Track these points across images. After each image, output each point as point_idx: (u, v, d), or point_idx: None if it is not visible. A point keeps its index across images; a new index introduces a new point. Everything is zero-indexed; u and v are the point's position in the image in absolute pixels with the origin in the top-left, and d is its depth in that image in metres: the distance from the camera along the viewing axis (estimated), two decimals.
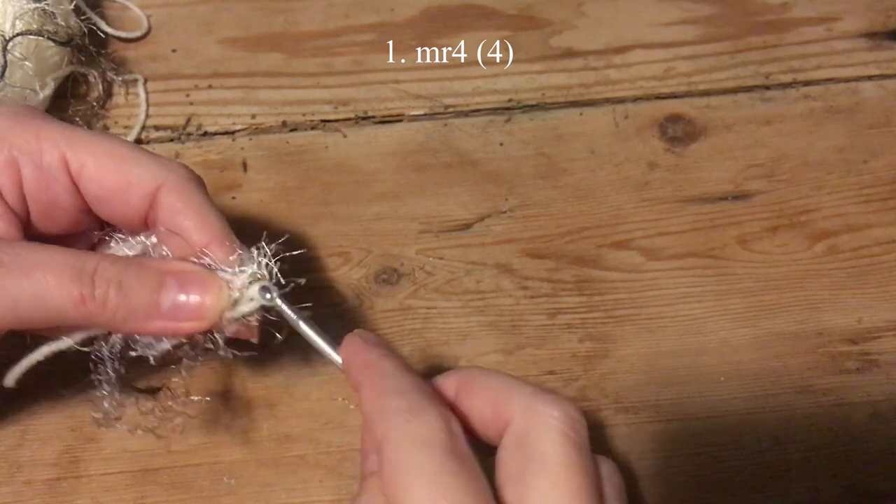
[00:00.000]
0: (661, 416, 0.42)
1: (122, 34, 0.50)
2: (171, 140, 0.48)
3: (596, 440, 0.41)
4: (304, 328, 0.34)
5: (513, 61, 0.51)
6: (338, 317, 0.43)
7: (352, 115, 0.49)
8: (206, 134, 0.48)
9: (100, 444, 0.40)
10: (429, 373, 0.35)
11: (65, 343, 0.33)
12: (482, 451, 0.29)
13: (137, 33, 0.51)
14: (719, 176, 0.48)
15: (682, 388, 0.42)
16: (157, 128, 0.48)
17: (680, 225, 0.47)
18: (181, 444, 0.40)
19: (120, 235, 0.35)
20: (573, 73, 0.51)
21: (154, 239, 0.34)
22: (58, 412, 0.40)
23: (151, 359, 0.33)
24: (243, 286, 0.33)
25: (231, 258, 0.33)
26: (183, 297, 0.32)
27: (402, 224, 0.46)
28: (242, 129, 0.48)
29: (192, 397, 0.37)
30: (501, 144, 0.49)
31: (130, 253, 0.35)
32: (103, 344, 0.33)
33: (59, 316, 0.31)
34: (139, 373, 0.36)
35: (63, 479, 0.39)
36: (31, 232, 0.34)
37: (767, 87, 0.51)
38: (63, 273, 0.31)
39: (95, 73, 0.47)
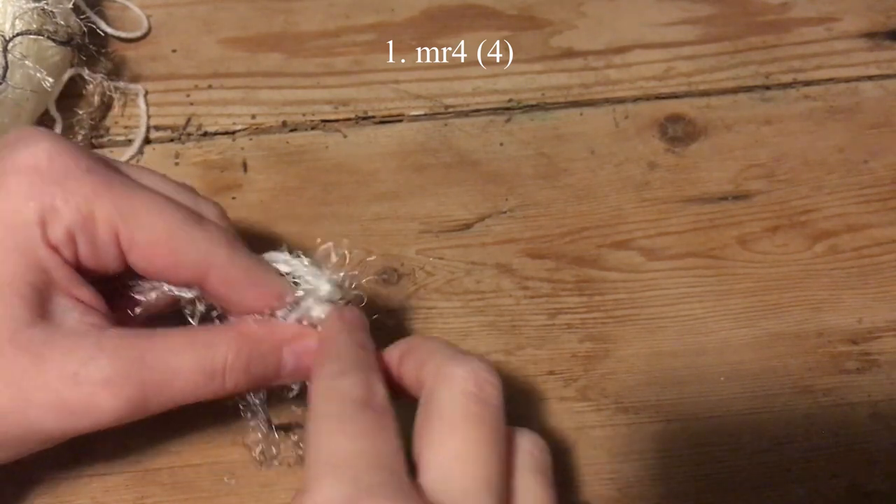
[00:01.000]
0: (661, 416, 0.42)
1: (122, 34, 0.50)
2: (171, 140, 0.48)
3: (596, 440, 0.41)
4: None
5: (513, 61, 0.51)
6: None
7: (352, 115, 0.49)
8: (206, 134, 0.48)
9: (100, 443, 0.40)
10: None
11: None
12: None
13: (137, 33, 0.51)
14: (719, 176, 0.48)
15: (682, 389, 0.42)
16: (157, 128, 0.48)
17: (680, 225, 0.47)
18: (181, 444, 0.40)
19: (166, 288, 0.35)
20: (573, 73, 0.51)
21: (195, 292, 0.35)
22: None
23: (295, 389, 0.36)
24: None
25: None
26: (298, 356, 0.34)
27: (402, 224, 0.46)
28: (242, 130, 0.48)
29: None
30: (501, 144, 0.49)
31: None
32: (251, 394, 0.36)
33: (187, 401, 0.33)
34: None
35: (63, 479, 0.39)
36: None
37: (767, 87, 0.51)
38: (199, 377, 0.32)
39: (95, 82, 0.47)
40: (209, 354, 0.32)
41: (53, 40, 0.43)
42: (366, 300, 0.36)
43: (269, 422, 0.36)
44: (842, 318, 0.44)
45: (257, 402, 0.36)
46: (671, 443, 0.41)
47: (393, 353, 0.34)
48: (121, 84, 0.48)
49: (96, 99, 0.47)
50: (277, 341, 0.34)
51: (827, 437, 0.42)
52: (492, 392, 0.30)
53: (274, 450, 0.37)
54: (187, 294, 0.35)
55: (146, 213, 0.32)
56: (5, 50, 0.42)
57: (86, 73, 0.47)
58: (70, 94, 0.47)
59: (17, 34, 0.42)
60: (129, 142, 0.47)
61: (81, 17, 0.47)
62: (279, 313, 0.35)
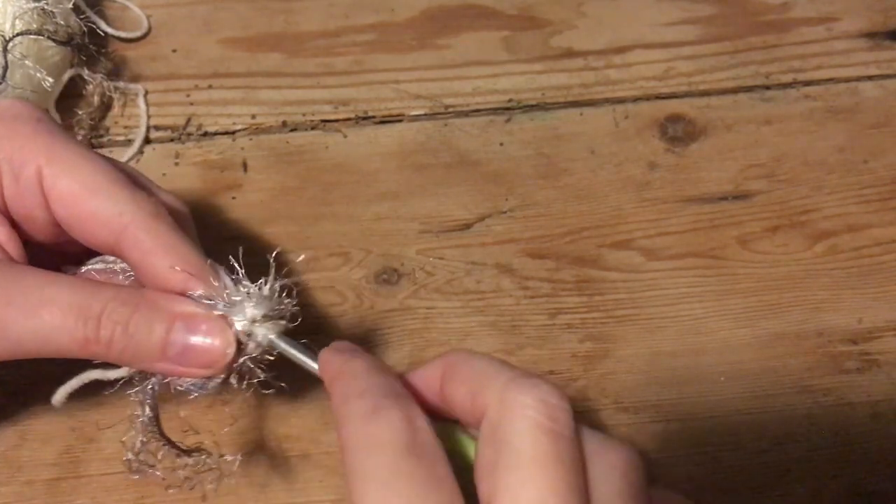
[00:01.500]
0: (661, 416, 0.42)
1: (122, 34, 0.50)
2: (172, 140, 0.48)
3: None
4: (308, 363, 0.32)
5: (513, 61, 0.51)
6: (338, 317, 0.43)
7: (352, 115, 0.49)
8: (206, 134, 0.48)
9: (100, 444, 0.40)
10: None
11: (116, 373, 0.32)
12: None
13: (137, 33, 0.51)
14: (719, 176, 0.48)
15: (682, 388, 0.42)
16: (157, 128, 0.48)
17: (680, 225, 0.47)
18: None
19: (106, 258, 0.34)
20: (573, 73, 0.51)
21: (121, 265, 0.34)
22: (58, 412, 0.40)
23: (195, 394, 0.32)
24: (245, 329, 0.31)
25: (221, 289, 0.32)
26: (192, 340, 0.31)
27: (402, 224, 0.46)
28: (243, 129, 0.48)
29: (225, 456, 0.36)
30: (501, 144, 0.49)
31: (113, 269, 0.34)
32: (141, 385, 0.32)
33: (65, 353, 0.31)
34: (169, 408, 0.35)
35: (63, 479, 0.39)
36: (24, 238, 0.34)
37: (767, 87, 0.51)
38: (69, 314, 0.30)
39: (95, 82, 0.47)
40: (89, 294, 0.31)
41: (53, 40, 0.43)
42: (300, 318, 0.32)
43: (156, 422, 0.33)
44: (842, 318, 0.44)
45: (147, 393, 0.32)
46: (671, 443, 0.41)
47: (432, 373, 0.30)
48: (120, 84, 0.48)
49: (96, 99, 0.47)
50: (171, 311, 0.31)
51: (827, 437, 0.42)
52: (565, 421, 0.26)
53: (150, 460, 0.33)
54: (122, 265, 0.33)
55: (74, 163, 0.32)
56: (5, 50, 0.42)
57: (85, 73, 0.47)
58: (70, 95, 0.47)
59: (18, 34, 0.42)
60: (130, 142, 0.47)
61: (81, 16, 0.47)
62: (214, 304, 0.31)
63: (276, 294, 0.31)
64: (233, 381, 0.32)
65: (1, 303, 0.30)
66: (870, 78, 0.51)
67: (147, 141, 0.48)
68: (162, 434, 0.33)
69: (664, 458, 0.41)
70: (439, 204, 0.47)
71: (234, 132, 0.48)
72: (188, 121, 0.48)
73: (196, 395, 0.32)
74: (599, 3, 0.54)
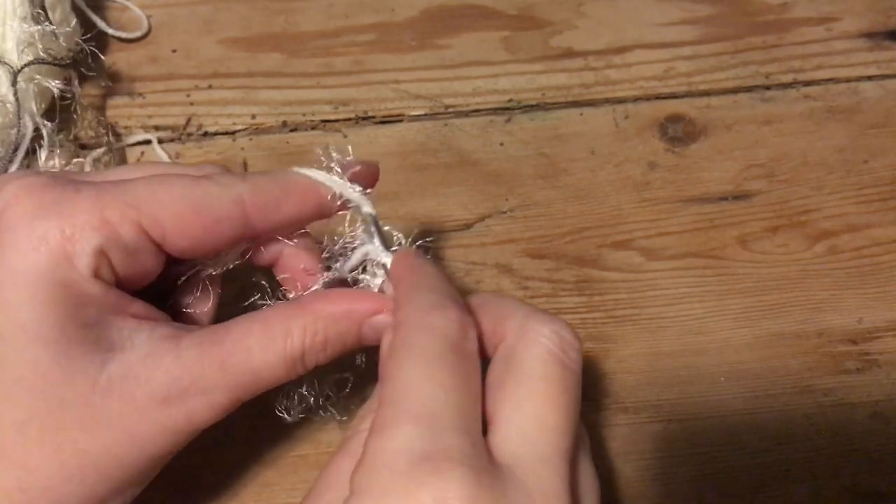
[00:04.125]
0: (661, 416, 0.42)
1: (122, 34, 0.50)
2: (172, 140, 0.48)
3: (596, 440, 0.41)
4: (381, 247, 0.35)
5: (513, 61, 0.51)
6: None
7: (352, 116, 0.49)
8: (206, 134, 0.48)
9: None
10: None
11: None
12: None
13: (137, 33, 0.51)
14: (719, 176, 0.48)
15: (682, 388, 0.42)
16: (157, 128, 0.48)
17: (680, 225, 0.47)
18: None
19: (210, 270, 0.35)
20: (573, 73, 0.51)
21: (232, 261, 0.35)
22: None
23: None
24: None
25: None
26: (376, 322, 0.32)
27: (402, 224, 0.46)
28: (243, 130, 0.48)
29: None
30: (501, 144, 0.49)
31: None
32: None
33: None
34: None
35: None
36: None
37: (767, 87, 0.51)
38: (280, 370, 0.31)
39: (81, 98, 0.46)
40: (288, 345, 0.31)
41: (57, 65, 0.43)
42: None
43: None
44: (842, 318, 0.44)
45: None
46: (671, 443, 0.41)
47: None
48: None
49: (86, 115, 0.46)
50: (356, 318, 0.32)
51: (827, 437, 0.42)
52: (575, 357, 0.29)
53: (302, 403, 0.35)
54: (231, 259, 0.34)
55: (154, 195, 0.30)
56: (15, 83, 0.42)
57: (69, 87, 0.45)
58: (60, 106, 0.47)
59: (25, 65, 0.42)
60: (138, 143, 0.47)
61: (84, 37, 0.46)
62: (336, 266, 0.34)
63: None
64: None
65: (225, 386, 0.31)
66: (870, 78, 0.51)
67: (147, 141, 0.48)
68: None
69: (664, 458, 0.41)
70: (439, 204, 0.47)
71: (234, 132, 0.48)
72: (188, 121, 0.48)
73: None
74: (599, 3, 0.54)
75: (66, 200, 0.29)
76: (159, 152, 0.47)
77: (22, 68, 0.42)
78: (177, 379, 0.30)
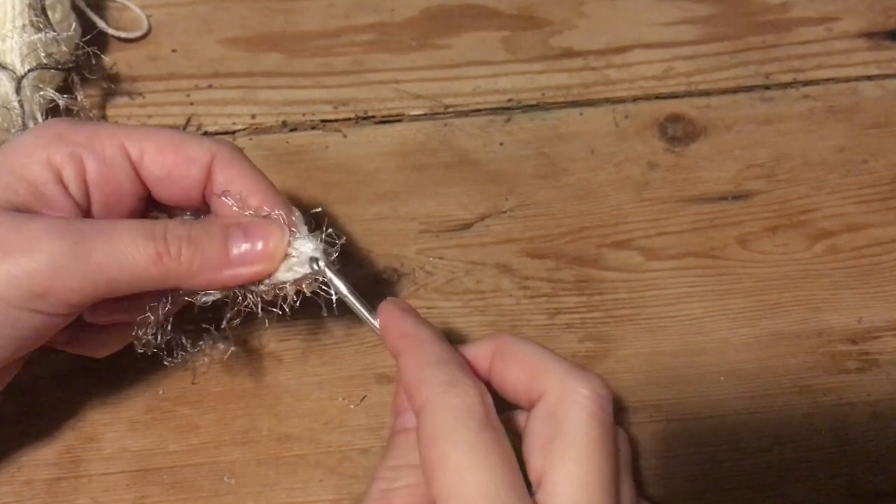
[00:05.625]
0: (661, 416, 0.42)
1: (122, 34, 0.50)
2: None
3: None
4: (348, 296, 0.36)
5: (513, 61, 0.51)
6: (338, 317, 0.43)
7: (352, 115, 0.49)
8: (206, 134, 0.48)
9: (100, 443, 0.40)
10: None
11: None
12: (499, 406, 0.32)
13: (137, 33, 0.51)
14: (719, 176, 0.48)
15: (682, 388, 0.42)
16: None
17: (680, 225, 0.47)
18: (181, 444, 0.40)
19: (185, 215, 0.37)
20: (573, 73, 0.51)
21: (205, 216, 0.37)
22: (58, 412, 0.40)
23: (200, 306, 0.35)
24: (300, 246, 0.35)
25: (290, 218, 0.35)
26: (248, 245, 0.34)
27: (402, 224, 0.46)
28: (242, 129, 0.48)
29: (219, 345, 0.40)
30: (501, 144, 0.49)
31: None
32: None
33: (141, 276, 0.33)
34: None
35: (63, 479, 0.39)
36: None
37: (767, 87, 0.51)
38: (137, 235, 0.33)
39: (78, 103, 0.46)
40: (150, 222, 0.34)
41: (59, 69, 0.43)
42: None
43: (165, 315, 0.36)
44: (841, 318, 0.44)
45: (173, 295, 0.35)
46: (671, 443, 0.41)
47: (482, 352, 0.34)
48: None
49: (87, 117, 0.46)
50: (224, 222, 0.35)
51: (827, 437, 0.42)
52: (611, 411, 0.31)
53: (158, 341, 0.36)
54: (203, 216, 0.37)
55: (147, 131, 0.35)
56: (19, 89, 0.42)
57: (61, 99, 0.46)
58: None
59: (29, 70, 0.42)
60: None
61: (84, 41, 0.46)
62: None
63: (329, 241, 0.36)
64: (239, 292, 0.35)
65: (75, 232, 0.32)
66: (869, 78, 0.51)
67: None
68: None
69: (664, 458, 0.41)
70: (439, 204, 0.47)
71: (233, 132, 0.48)
72: (188, 121, 0.48)
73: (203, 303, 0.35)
74: (599, 3, 0.54)
75: (70, 126, 0.35)
76: None
77: (25, 75, 0.42)
78: (35, 217, 0.32)
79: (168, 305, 0.35)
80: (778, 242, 0.46)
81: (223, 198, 0.35)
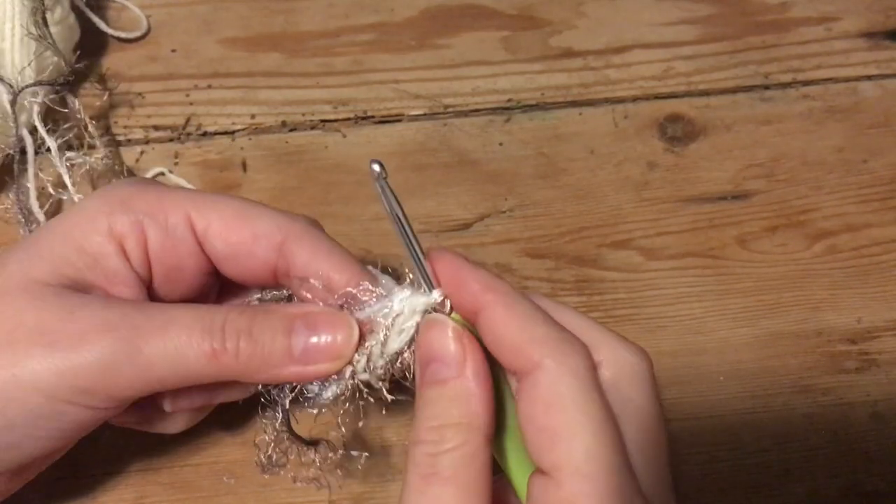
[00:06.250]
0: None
1: (122, 34, 0.50)
2: (171, 140, 0.48)
3: None
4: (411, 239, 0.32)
5: (512, 61, 0.51)
6: None
7: (351, 115, 0.49)
8: (205, 134, 0.48)
9: (100, 443, 0.40)
10: None
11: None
12: None
13: (137, 33, 0.51)
14: (719, 176, 0.48)
15: (682, 388, 0.42)
16: (156, 128, 0.48)
17: (679, 225, 0.47)
18: (181, 444, 0.40)
19: (257, 296, 0.35)
20: (573, 73, 0.51)
21: (286, 292, 0.35)
22: None
23: (318, 409, 0.33)
24: (398, 303, 0.32)
25: (378, 283, 0.33)
26: (314, 339, 0.31)
27: None
28: (242, 129, 0.48)
29: (351, 451, 0.36)
30: (501, 144, 0.49)
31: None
32: (275, 389, 0.33)
33: (195, 373, 0.31)
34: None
35: (63, 479, 0.39)
36: (153, 298, 0.34)
37: (767, 87, 0.51)
38: (193, 329, 0.30)
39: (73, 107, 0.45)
40: (208, 311, 0.31)
41: (56, 85, 0.43)
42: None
43: (287, 424, 0.33)
44: (841, 318, 0.44)
45: (280, 397, 0.32)
46: (671, 443, 0.41)
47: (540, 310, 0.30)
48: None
49: (85, 120, 0.46)
50: (287, 313, 0.32)
51: (826, 437, 0.42)
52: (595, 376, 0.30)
53: (282, 458, 0.34)
54: (281, 293, 0.34)
55: (215, 201, 0.33)
56: (15, 102, 0.42)
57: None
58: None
59: (27, 86, 0.42)
60: (129, 141, 0.47)
61: (82, 52, 0.46)
62: (358, 314, 0.32)
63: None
64: (360, 383, 0.32)
65: (128, 327, 0.30)
66: (869, 78, 0.52)
67: (144, 138, 0.48)
68: (292, 432, 0.33)
69: None
70: (439, 204, 0.47)
71: (233, 132, 0.48)
72: (188, 121, 0.48)
73: (321, 405, 0.32)
74: (599, 3, 0.54)
75: (136, 190, 0.33)
76: (175, 179, 0.47)
77: (22, 90, 0.42)
78: (87, 304, 0.31)
79: (279, 416, 0.32)
80: (777, 242, 0.46)
81: (305, 284, 0.32)
